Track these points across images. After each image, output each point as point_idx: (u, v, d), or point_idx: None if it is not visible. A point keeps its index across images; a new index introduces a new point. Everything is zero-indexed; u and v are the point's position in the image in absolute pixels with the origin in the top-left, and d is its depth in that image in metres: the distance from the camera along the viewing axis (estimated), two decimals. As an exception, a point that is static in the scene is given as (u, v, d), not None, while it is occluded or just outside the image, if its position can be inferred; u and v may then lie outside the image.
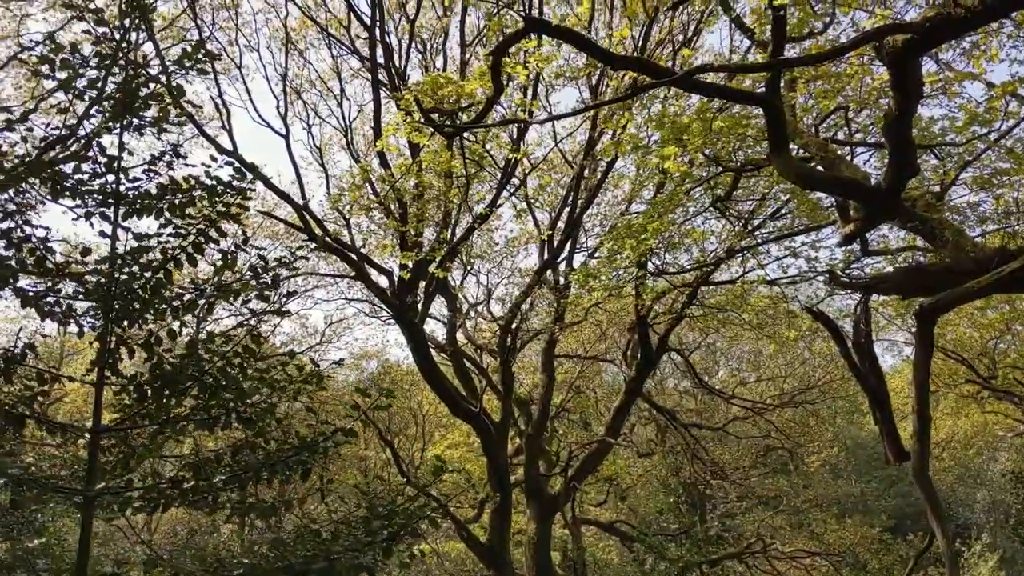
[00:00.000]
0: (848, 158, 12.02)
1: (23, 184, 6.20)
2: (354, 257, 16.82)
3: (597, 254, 18.58)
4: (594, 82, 16.23)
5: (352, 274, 17.91)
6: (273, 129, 16.72)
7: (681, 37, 15.84)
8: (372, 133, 17.28)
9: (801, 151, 11.02)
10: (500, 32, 12.40)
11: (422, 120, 11.98)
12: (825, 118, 12.05)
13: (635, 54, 14.30)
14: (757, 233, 15.54)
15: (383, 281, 17.08)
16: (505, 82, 10.67)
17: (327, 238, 16.53)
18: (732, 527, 27.71)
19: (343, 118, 18.40)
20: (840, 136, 12.55)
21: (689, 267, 15.93)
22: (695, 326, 21.34)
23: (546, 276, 17.69)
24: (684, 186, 14.32)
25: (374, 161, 18.27)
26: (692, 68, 8.51)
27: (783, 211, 15.41)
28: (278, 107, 17.12)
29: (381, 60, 16.19)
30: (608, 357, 23.08)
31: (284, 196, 15.95)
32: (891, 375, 23.62)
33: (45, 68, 6.32)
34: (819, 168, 10.47)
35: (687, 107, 13.26)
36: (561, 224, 17.34)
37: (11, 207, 5.50)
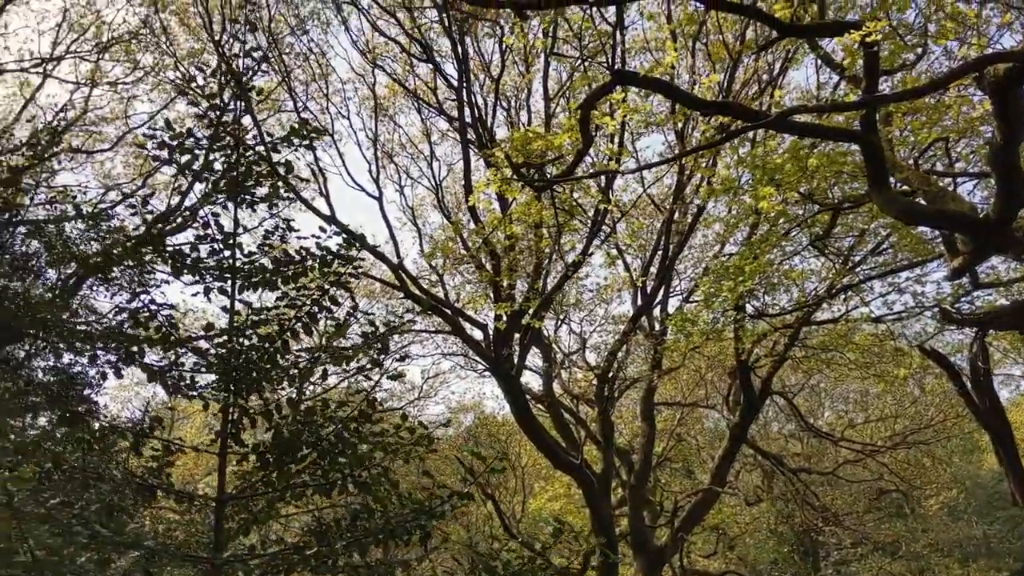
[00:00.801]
0: (951, 189, 11.65)
1: (144, 261, 6.50)
2: (449, 312, 17.03)
3: (693, 298, 18.37)
4: (680, 126, 16.20)
5: (447, 329, 18.11)
6: (367, 192, 17.19)
7: (766, 76, 15.70)
8: (462, 190, 17.59)
9: (902, 185, 10.72)
10: (587, 85, 12.54)
11: (513, 175, 12.16)
12: (925, 150, 11.73)
13: (720, 96, 14.23)
14: (859, 270, 15.15)
15: (478, 334, 17.24)
16: (593, 132, 10.77)
17: (422, 295, 16.82)
18: (848, 575, 26.56)
19: (434, 178, 18.80)
20: (940, 167, 12.20)
21: (789, 307, 15.62)
22: (798, 367, 20.78)
23: (641, 322, 17.54)
24: (780, 226, 14.10)
25: (465, 217, 18.61)
26: (785, 110, 8.43)
27: (885, 246, 15.00)
28: (371, 171, 17.61)
29: (468, 119, 16.53)
30: (709, 403, 22.65)
31: (380, 256, 16.31)
32: (1009, 409, 22.49)
33: (155, 147, 6.60)
34: (922, 202, 10.16)
35: (779, 145, 13.12)
36: (654, 269, 17.23)
37: (137, 287, 5.78)
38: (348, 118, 18.49)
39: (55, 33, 18.58)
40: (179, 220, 17.14)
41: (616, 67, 14.48)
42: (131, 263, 6.17)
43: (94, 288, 14.71)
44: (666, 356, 17.51)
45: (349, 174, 27.80)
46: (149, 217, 7.27)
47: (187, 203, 17.06)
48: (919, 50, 10.39)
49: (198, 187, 7.09)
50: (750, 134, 13.56)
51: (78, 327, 12.49)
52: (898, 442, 23.34)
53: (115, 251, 6.31)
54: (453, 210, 19.42)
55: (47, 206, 16.22)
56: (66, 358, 13.57)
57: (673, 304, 18.45)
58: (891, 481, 24.01)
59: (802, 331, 16.76)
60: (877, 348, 17.18)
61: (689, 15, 11.70)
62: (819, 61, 14.43)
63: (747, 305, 15.16)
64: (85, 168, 20.08)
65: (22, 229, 14.37)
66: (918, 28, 10.24)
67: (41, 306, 13.55)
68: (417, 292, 16.72)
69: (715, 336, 15.70)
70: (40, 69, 18.63)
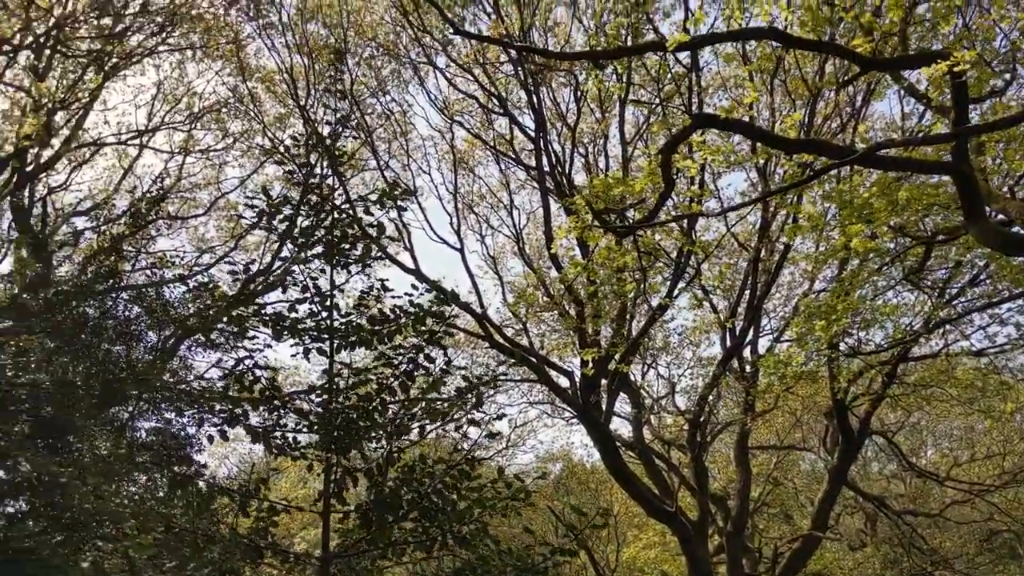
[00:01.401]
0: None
1: (244, 324, 6.71)
2: (534, 360, 17.04)
3: (784, 338, 17.99)
4: (762, 162, 16.03)
5: (533, 377, 18.09)
6: (449, 244, 17.46)
7: (849, 109, 15.45)
8: (543, 237, 17.69)
9: (998, 215, 10.37)
10: (667, 130, 12.55)
11: (594, 221, 12.17)
12: (1020, 178, 11.35)
13: (802, 132, 14.04)
14: (956, 302, 14.63)
15: (564, 381, 17.17)
16: (674, 175, 10.74)
17: (507, 344, 16.89)
18: (962, 622, 25.18)
19: (514, 226, 18.96)
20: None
21: (885, 344, 15.14)
22: (897, 405, 20.06)
23: (731, 365, 17.22)
24: (871, 260, 13.75)
25: (546, 264, 18.70)
26: (873, 145, 8.27)
27: (983, 277, 14.47)
28: (452, 223, 17.89)
29: (546, 167, 16.67)
30: (806, 445, 22.01)
31: (465, 307, 16.47)
32: None
33: (254, 215, 6.83)
34: (1021, 231, 9.79)
35: (866, 179, 12.84)
36: (742, 309, 16.95)
37: (240, 350, 5.97)
38: (429, 173, 18.94)
39: (150, 106, 19.55)
40: (271, 279, 17.68)
41: (695, 110, 14.49)
42: (228, 324, 6.37)
43: (192, 349, 15.21)
44: (759, 398, 17.12)
45: (431, 227, 28.21)
46: (235, 273, 7.52)
47: (279, 261, 17.59)
48: (1007, 76, 10.11)
49: (290, 246, 7.31)
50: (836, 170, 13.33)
51: (179, 388, 12.94)
52: (1007, 480, 22.22)
53: (211, 312, 6.53)
54: (534, 257, 19.54)
55: (147, 271, 16.93)
56: (168, 418, 14.05)
57: (763, 345, 18.10)
58: (1002, 521, 22.80)
59: (900, 368, 16.20)
60: (980, 382, 16.45)
61: (767, 54, 11.64)
62: (903, 92, 14.18)
63: (841, 343, 14.75)
64: (180, 233, 20.92)
65: (125, 295, 15.00)
66: (1005, 53, 9.98)
67: (144, 368, 14.09)
68: (502, 341, 16.80)
69: (809, 376, 15.31)
70: (137, 141, 19.59)
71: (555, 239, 14.83)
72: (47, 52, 16.74)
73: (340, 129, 7.28)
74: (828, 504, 17.79)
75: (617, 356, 15.40)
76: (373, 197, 6.77)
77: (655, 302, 16.35)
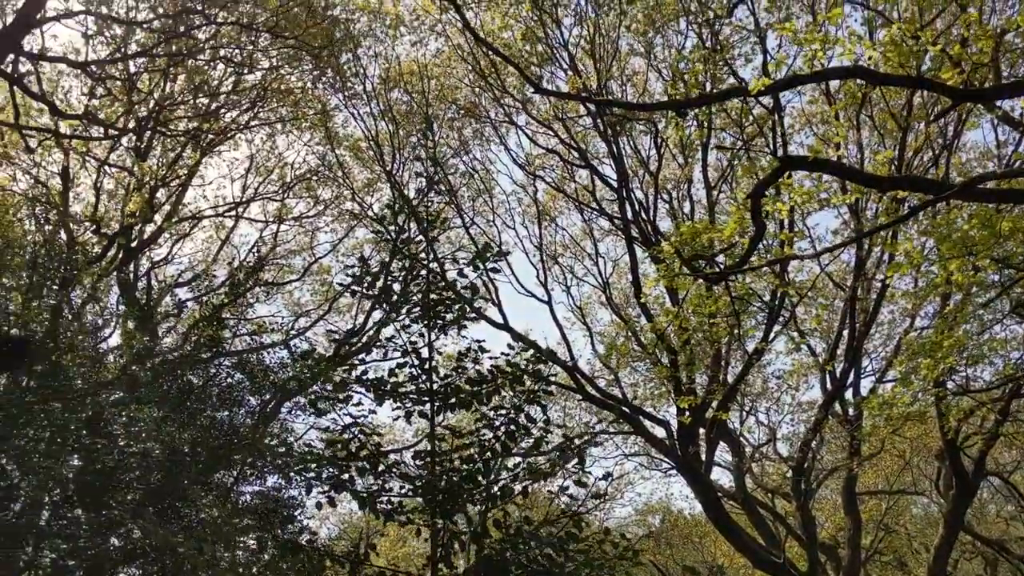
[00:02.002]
0: None
1: (345, 388, 6.84)
2: (628, 411, 16.84)
3: (887, 377, 17.39)
4: (853, 200, 15.68)
5: (628, 428, 17.87)
6: (536, 297, 17.56)
7: (940, 141, 15.04)
8: (631, 286, 17.61)
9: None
10: (753, 175, 12.43)
11: (684, 269, 12.07)
12: None
13: (893, 168, 13.71)
14: (1072, 333, 13.94)
15: (660, 431, 16.90)
16: (764, 219, 10.59)
17: (600, 395, 16.76)
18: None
19: (600, 275, 18.95)
20: None
21: (996, 381, 14.48)
22: (1013, 443, 19.09)
23: (833, 408, 16.70)
24: (975, 295, 13.25)
25: (635, 312, 18.56)
26: (970, 179, 8.05)
27: (1100, 304, 13.76)
28: (538, 276, 17.99)
29: (630, 215, 16.65)
30: (917, 489, 21.08)
31: (556, 360, 16.44)
32: None
33: (354, 284, 6.99)
34: None
35: (963, 212, 12.43)
36: (841, 350, 16.46)
37: (347, 419, 6.10)
38: (514, 228, 19.09)
39: (244, 178, 20.36)
40: (365, 340, 18.04)
41: (780, 151, 14.32)
42: (328, 386, 6.51)
43: (293, 412, 15.57)
44: (865, 442, 16.53)
45: (518, 280, 28.36)
46: (338, 338, 7.68)
47: (373, 322, 17.96)
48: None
49: (384, 309, 7.44)
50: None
51: (284, 452, 13.21)
52: None
53: (308, 375, 6.68)
54: (622, 306, 19.44)
55: (247, 337, 17.49)
56: (272, 482, 14.36)
57: (866, 386, 17.50)
58: None
59: (1013, 404, 15.45)
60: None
61: (852, 92, 11.46)
62: (997, 120, 13.75)
63: (948, 381, 14.17)
64: (277, 299, 21.57)
65: (226, 362, 15.49)
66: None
67: (247, 433, 14.46)
68: (595, 393, 16.68)
69: (916, 417, 14.73)
70: (233, 212, 20.39)
71: (644, 288, 14.73)
72: (148, 133, 17.65)
73: (428, 193, 7.43)
74: (945, 550, 16.92)
75: (714, 404, 15.12)
76: (464, 258, 6.88)
77: (750, 347, 16.03)
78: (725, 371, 16.56)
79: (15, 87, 12.85)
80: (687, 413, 15.44)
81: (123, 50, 15.86)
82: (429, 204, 7.90)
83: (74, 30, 16.47)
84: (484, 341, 6.42)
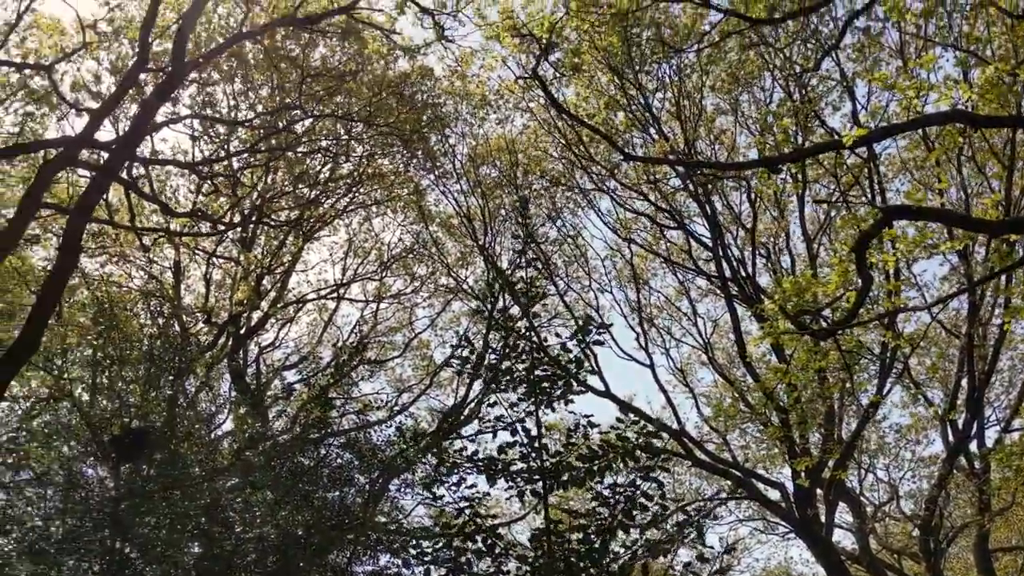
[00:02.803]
0: None
1: (453, 464, 6.85)
2: (740, 475, 16.34)
3: (1013, 426, 16.47)
4: (961, 245, 15.11)
5: (742, 493, 17.30)
6: (637, 361, 17.37)
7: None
8: (733, 345, 17.26)
9: None
10: (853, 225, 12.11)
11: (789, 326, 11.79)
12: None
13: (1001, 210, 13.16)
14: None
15: (775, 494, 16.32)
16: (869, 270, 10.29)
17: (709, 459, 16.33)
18: None
19: (701, 335, 18.63)
20: None
21: None
22: None
23: (958, 461, 15.84)
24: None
25: (739, 371, 18.15)
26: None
27: None
28: (637, 339, 17.82)
29: (727, 273, 16.41)
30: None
31: (663, 427, 16.15)
32: None
33: (459, 364, 7.05)
34: None
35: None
36: (960, 401, 15.68)
37: (463, 503, 6.09)
38: (610, 292, 19.02)
39: (344, 261, 20.96)
40: (467, 413, 18.12)
41: (877, 200, 13.98)
42: (436, 463, 6.53)
43: (401, 490, 15.64)
44: (994, 496, 15.58)
45: (618, 345, 28.14)
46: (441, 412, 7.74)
47: (475, 394, 18.05)
48: None
49: (476, 381, 7.46)
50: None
51: (397, 531, 13.27)
52: None
53: (414, 451, 6.71)
54: (726, 366, 19.03)
55: (354, 416, 17.75)
56: (383, 560, 14.37)
57: (990, 436, 16.58)
58: None
59: None
60: None
61: (953, 136, 11.13)
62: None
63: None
64: (380, 376, 21.92)
65: (335, 442, 15.73)
66: None
67: (358, 512, 14.60)
68: (705, 458, 16.27)
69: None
70: (335, 294, 20.97)
71: (749, 347, 14.41)
72: (252, 224, 18.45)
73: (518, 259, 7.48)
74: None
75: (831, 463, 14.54)
76: (561, 324, 6.88)
77: (864, 401, 15.44)
78: (839, 428, 15.95)
79: (130, 191, 13.67)
80: (803, 475, 14.89)
81: (226, 148, 16.73)
82: (525, 279, 7.96)
83: (181, 133, 17.48)
84: (592, 416, 6.37)
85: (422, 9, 14.31)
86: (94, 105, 15.02)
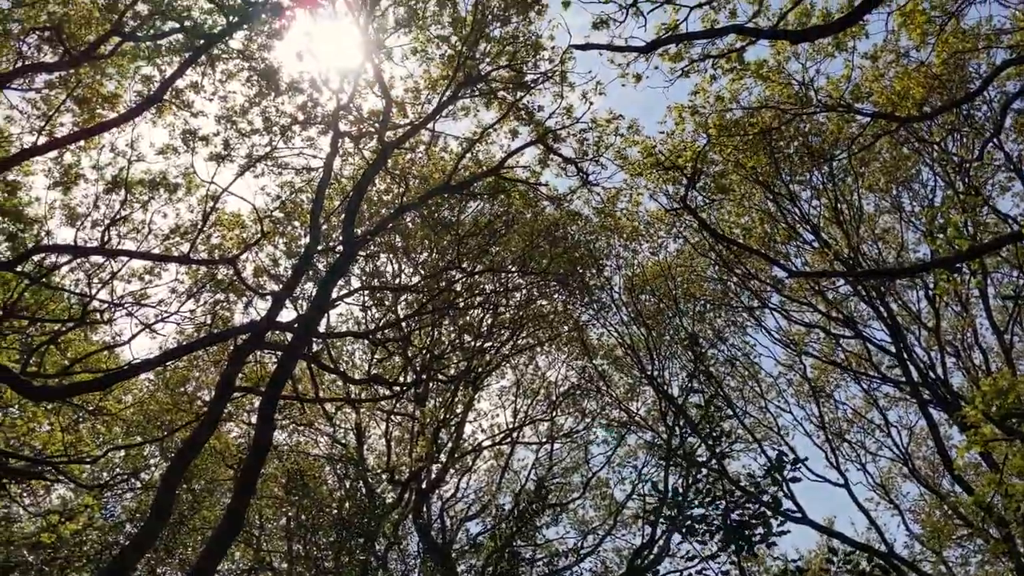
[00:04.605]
0: None
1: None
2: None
3: None
4: None
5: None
6: (829, 481, 16.37)
7: None
8: (935, 453, 16.06)
9: None
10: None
11: (997, 431, 10.91)
12: None
13: None
14: None
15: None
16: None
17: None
18: None
19: (897, 446, 17.49)
20: None
21: None
22: None
23: None
24: None
25: (947, 481, 16.80)
26: None
27: None
28: (827, 457, 16.91)
29: (915, 376, 15.45)
30: None
31: (870, 550, 15.02)
32: None
33: (649, 512, 6.86)
34: None
35: None
36: None
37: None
38: (789, 411, 18.28)
39: (514, 404, 21.16)
40: (657, 552, 17.49)
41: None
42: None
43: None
44: None
45: (807, 467, 26.76)
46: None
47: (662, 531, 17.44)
48: None
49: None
50: None
51: None
52: None
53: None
54: (930, 476, 17.68)
55: (539, 563, 17.54)
56: None
57: None
58: None
59: None
60: None
61: None
62: None
63: None
64: (562, 519, 21.60)
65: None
66: None
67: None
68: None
69: None
70: (508, 439, 21.10)
71: (955, 459, 13.36)
72: (424, 380, 19.05)
73: (688, 385, 7.31)
74: None
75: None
76: (742, 447, 6.61)
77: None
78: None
79: (312, 365, 14.47)
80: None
81: (395, 310, 17.54)
82: (693, 396, 7.78)
83: (352, 304, 18.55)
84: (799, 560, 5.98)
85: (565, 159, 14.83)
86: (275, 287, 16.21)
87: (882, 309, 15.73)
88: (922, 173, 15.67)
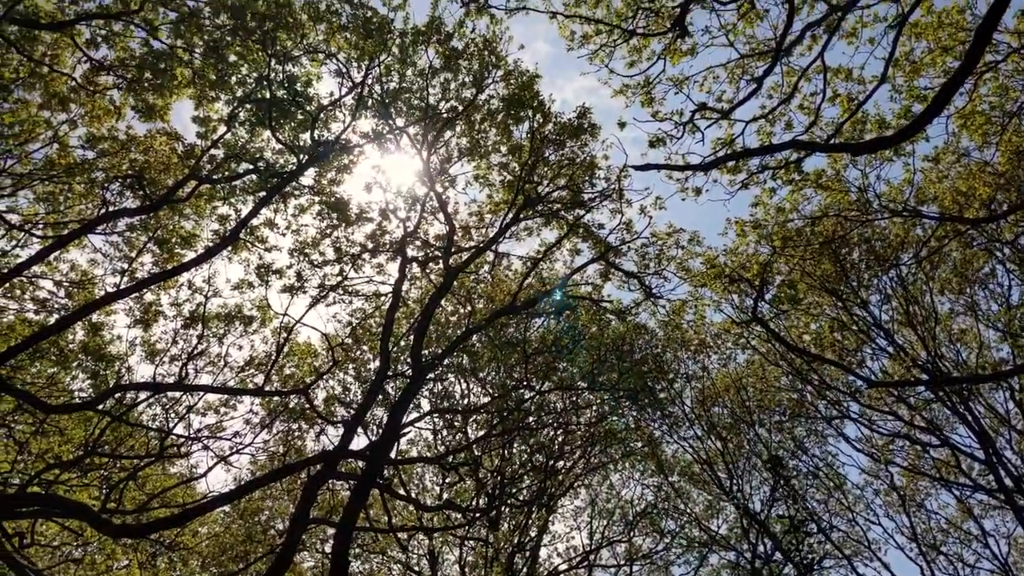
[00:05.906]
0: None
1: None
2: None
3: None
4: None
5: None
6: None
7: None
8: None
9: None
10: None
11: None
12: None
13: None
14: None
15: None
16: None
17: None
18: None
19: (997, 556, 16.47)
20: None
21: None
22: None
23: None
24: None
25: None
26: None
27: None
28: (923, 573, 16.03)
29: (1008, 482, 14.71)
30: None
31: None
32: None
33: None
34: None
35: None
36: None
37: None
38: (878, 522, 17.46)
39: (590, 525, 20.64)
40: None
41: None
42: None
43: None
44: None
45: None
46: None
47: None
48: None
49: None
50: None
51: None
52: None
53: None
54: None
55: None
56: None
57: None
58: None
59: None
60: None
61: None
62: None
63: None
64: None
65: None
66: None
67: None
68: None
69: None
70: (585, 562, 20.47)
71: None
72: (496, 503, 18.74)
73: (770, 500, 7.05)
74: None
75: None
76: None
77: None
78: None
79: (385, 494, 14.40)
80: None
81: (465, 433, 17.47)
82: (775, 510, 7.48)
83: (423, 428, 18.57)
84: None
85: (627, 274, 14.90)
86: (345, 413, 16.35)
87: (967, 414, 15.16)
88: (996, 271, 15.30)
